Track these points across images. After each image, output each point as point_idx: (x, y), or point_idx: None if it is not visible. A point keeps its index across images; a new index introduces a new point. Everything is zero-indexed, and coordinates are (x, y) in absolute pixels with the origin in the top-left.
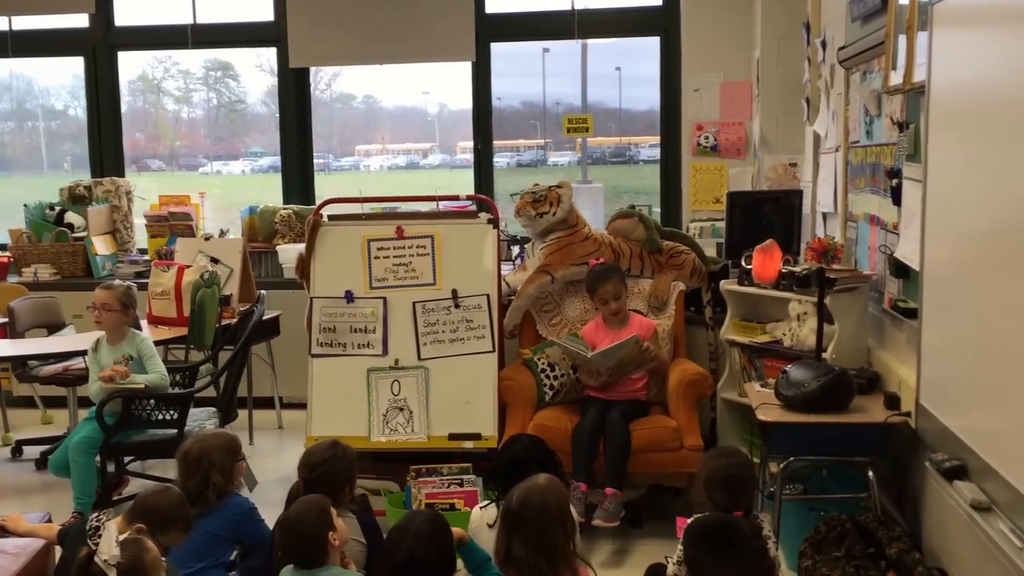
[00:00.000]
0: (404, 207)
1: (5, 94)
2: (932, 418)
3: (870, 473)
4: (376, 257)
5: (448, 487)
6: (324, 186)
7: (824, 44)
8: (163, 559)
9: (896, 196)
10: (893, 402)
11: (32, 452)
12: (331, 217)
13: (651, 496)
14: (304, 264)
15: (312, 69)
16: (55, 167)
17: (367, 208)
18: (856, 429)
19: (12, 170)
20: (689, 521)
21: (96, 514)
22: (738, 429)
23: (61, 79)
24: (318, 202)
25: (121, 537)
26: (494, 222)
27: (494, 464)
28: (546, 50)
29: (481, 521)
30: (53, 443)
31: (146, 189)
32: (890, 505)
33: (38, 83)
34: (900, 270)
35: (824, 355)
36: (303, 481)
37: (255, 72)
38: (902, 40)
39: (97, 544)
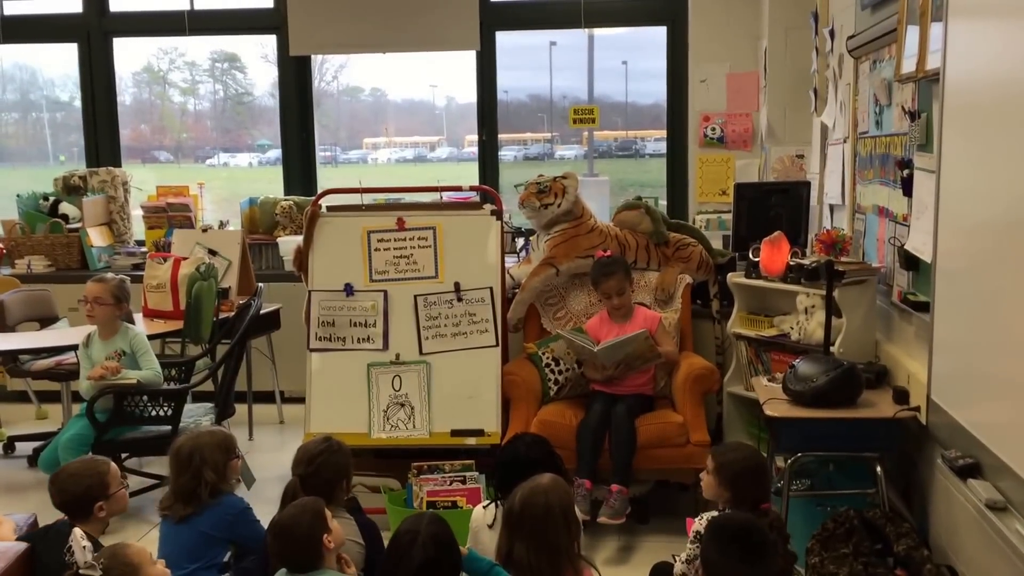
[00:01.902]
0: (407, 198)
1: (9, 84)
2: (944, 413)
3: (878, 469)
4: (376, 249)
5: (450, 485)
6: (331, 179)
7: (832, 33)
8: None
9: (907, 187)
10: (902, 397)
11: (25, 448)
12: (330, 208)
13: (657, 492)
14: (302, 256)
15: (319, 60)
16: (66, 158)
17: (369, 199)
18: (865, 424)
19: (16, 161)
20: (706, 519)
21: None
22: (745, 424)
23: (66, 69)
24: None
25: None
26: (497, 213)
27: (494, 464)
28: (553, 43)
29: (482, 521)
30: (46, 439)
31: (144, 180)
32: (898, 501)
33: (43, 74)
34: (910, 262)
35: (832, 349)
36: (299, 478)
37: (261, 64)
38: (913, 27)
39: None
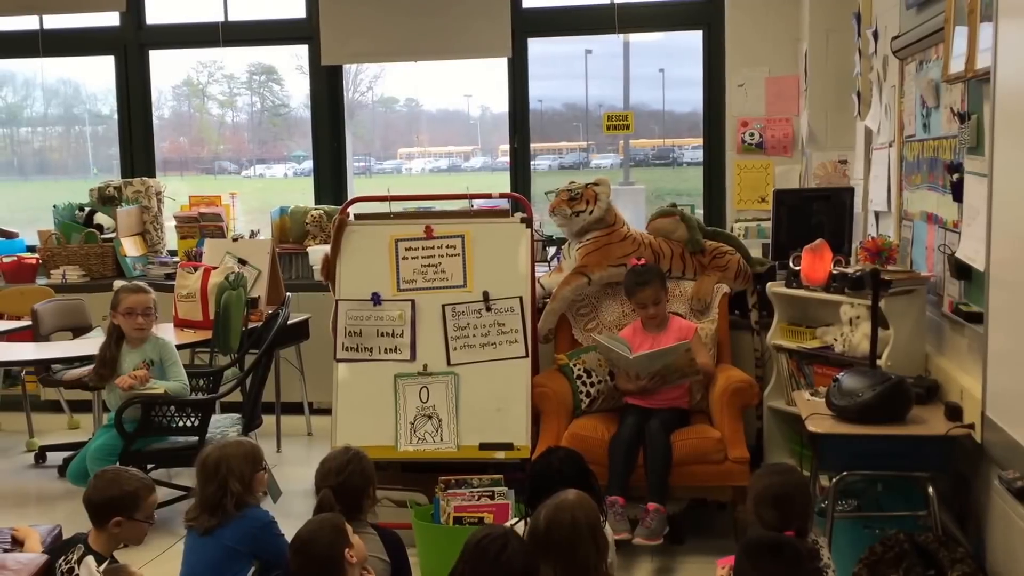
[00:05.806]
0: (437, 206)
1: (53, 99)
2: (1000, 431)
3: (930, 489)
4: (404, 258)
5: (478, 500)
6: (364, 189)
7: (876, 35)
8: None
9: (957, 192)
10: (954, 413)
11: (56, 458)
12: (358, 216)
13: (693, 511)
14: (329, 265)
15: (353, 71)
16: (103, 171)
17: (398, 208)
18: (915, 442)
19: (59, 174)
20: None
21: (64, 556)
22: (786, 440)
23: (107, 84)
24: None
25: (101, 568)
26: (528, 221)
27: (525, 477)
28: (588, 51)
29: None
30: (76, 449)
31: (178, 191)
32: (951, 524)
33: (85, 88)
34: (961, 271)
35: (879, 362)
36: (330, 488)
37: (297, 76)
38: (961, 27)
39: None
